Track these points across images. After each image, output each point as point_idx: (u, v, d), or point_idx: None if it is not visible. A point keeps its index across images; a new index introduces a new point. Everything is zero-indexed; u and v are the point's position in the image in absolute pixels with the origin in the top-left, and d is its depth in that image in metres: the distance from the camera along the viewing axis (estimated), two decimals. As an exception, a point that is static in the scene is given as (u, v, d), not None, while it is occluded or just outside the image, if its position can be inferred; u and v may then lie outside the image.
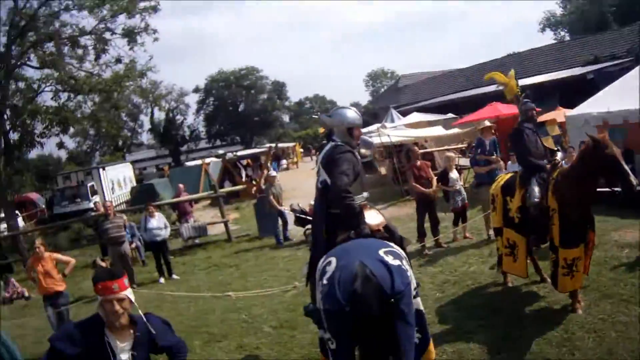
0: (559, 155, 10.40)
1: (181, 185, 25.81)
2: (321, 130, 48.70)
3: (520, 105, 10.72)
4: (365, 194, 7.40)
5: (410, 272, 6.05)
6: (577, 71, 37.99)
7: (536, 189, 9.56)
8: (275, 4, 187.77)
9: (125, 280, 5.00)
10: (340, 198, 6.66)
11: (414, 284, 6.10)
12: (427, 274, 12.92)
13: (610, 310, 9.04)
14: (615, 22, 55.74)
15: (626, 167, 8.33)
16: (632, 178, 8.21)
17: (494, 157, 15.48)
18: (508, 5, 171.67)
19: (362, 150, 8.05)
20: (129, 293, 4.97)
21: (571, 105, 21.45)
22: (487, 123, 15.94)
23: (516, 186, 10.18)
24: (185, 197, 24.26)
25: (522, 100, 10.80)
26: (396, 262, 5.86)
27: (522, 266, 10.45)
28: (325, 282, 5.82)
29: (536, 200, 9.48)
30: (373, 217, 7.28)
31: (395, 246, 6.46)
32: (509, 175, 11.11)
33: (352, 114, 7.45)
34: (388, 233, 7.28)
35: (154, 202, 21.18)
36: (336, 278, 5.70)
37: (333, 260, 5.96)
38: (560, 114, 23.38)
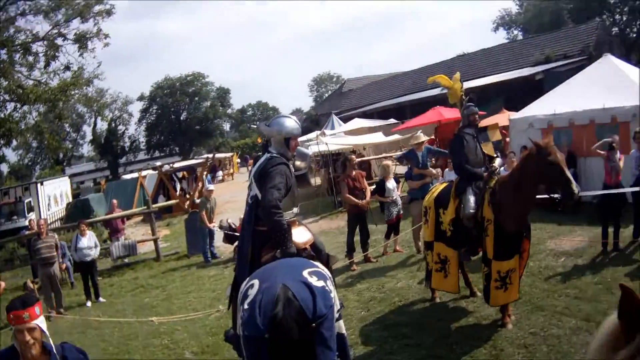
0: (497, 161, 10.44)
1: (114, 201, 25.53)
2: (258, 139, 48.55)
3: (463, 109, 10.72)
4: (295, 210, 7.47)
5: (334, 293, 6.05)
6: (526, 72, 38.45)
7: (472, 199, 9.67)
8: (226, 6, 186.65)
9: (37, 309, 4.91)
10: (269, 214, 6.66)
11: (337, 306, 6.08)
12: (353, 292, 12.94)
13: (542, 324, 9.16)
14: (572, 20, 56.51)
15: (569, 174, 8.42)
16: (574, 186, 8.26)
17: (428, 170, 15.45)
18: (461, 5, 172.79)
19: (297, 163, 8.08)
20: (40, 322, 4.89)
21: (518, 108, 21.60)
22: (422, 138, 15.89)
23: (450, 197, 10.21)
24: (117, 213, 23.93)
25: (464, 105, 10.78)
26: (320, 284, 5.84)
27: (454, 281, 10.49)
28: (246, 306, 5.75)
29: (471, 211, 9.57)
30: (301, 235, 7.29)
31: (320, 266, 6.46)
32: (444, 185, 11.08)
33: (291, 124, 7.46)
34: (315, 251, 7.35)
35: (88, 219, 21.24)
36: (257, 302, 5.66)
37: (256, 282, 5.92)
38: (504, 117, 23.60)
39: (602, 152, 13.16)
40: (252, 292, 5.79)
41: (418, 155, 15.11)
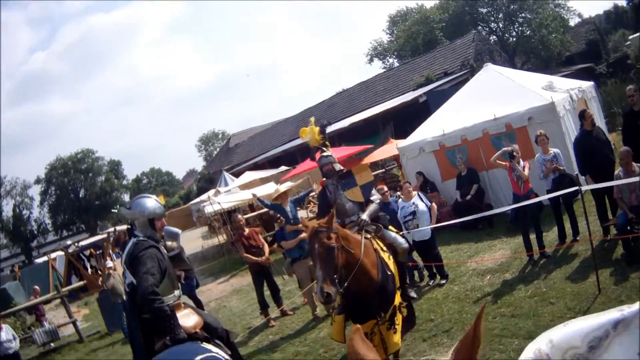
0: (374, 197, 9.72)
1: (36, 287, 25.51)
2: (162, 200, 47.52)
3: (317, 161, 10.11)
4: (177, 292, 7.02)
5: None
6: (408, 96, 38.51)
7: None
8: (106, 81, 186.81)
9: None
10: (148, 302, 6.23)
11: None
12: (276, 349, 12.35)
13: (482, 350, 8.35)
14: (446, 38, 57.27)
15: None
16: None
17: (300, 225, 14.43)
18: (334, 45, 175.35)
19: (169, 243, 7.62)
20: None
21: (408, 134, 21.27)
22: (282, 189, 15.23)
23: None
24: (32, 301, 23.82)
25: (320, 156, 10.05)
26: None
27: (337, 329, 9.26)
28: None
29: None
30: (188, 318, 6.87)
31: (214, 349, 6.16)
32: None
33: (153, 203, 7.15)
34: (209, 332, 6.94)
35: (7, 309, 21.52)
36: None
37: None
38: (392, 147, 23.37)
39: (503, 163, 12.72)
40: None
41: (286, 210, 14.16)
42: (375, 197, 9.76)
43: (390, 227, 9.83)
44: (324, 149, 9.98)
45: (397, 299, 8.62)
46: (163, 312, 6.27)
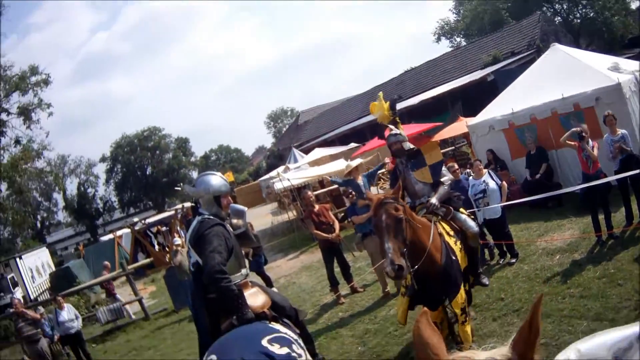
0: (445, 179, 9.32)
1: (107, 263, 25.35)
2: (230, 177, 47.96)
3: (386, 139, 9.91)
4: (244, 271, 6.94)
5: (303, 357, 5.59)
6: (476, 75, 38.23)
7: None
8: (171, 61, 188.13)
9: None
10: (214, 280, 6.12)
11: None
12: (345, 326, 12.30)
13: (552, 332, 8.51)
14: (512, 17, 56.53)
15: None
16: None
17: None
18: (401, 23, 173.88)
19: (234, 221, 7.45)
20: None
21: (478, 112, 21.13)
22: (354, 163, 14.99)
23: None
24: (97, 279, 24.04)
25: (389, 134, 9.82)
26: (283, 351, 5.37)
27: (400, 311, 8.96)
28: None
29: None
30: (256, 298, 6.74)
31: (282, 329, 6.05)
32: None
33: (218, 180, 7.02)
34: (277, 311, 6.81)
35: (70, 288, 21.79)
36: None
37: (214, 358, 5.36)
38: (462, 125, 23.22)
39: (572, 143, 12.56)
40: None
41: (359, 184, 13.73)
42: (446, 177, 9.37)
43: (461, 209, 9.43)
44: (393, 127, 9.79)
45: (462, 297, 8.23)
46: (230, 291, 6.19)
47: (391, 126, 9.83)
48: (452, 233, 8.68)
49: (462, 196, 10.18)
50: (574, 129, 12.52)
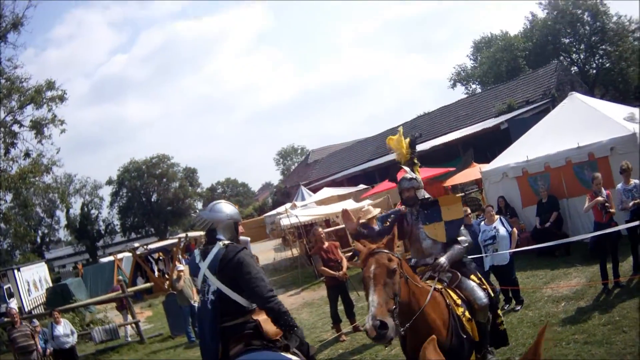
0: (463, 238, 8.08)
1: (118, 285, 25.85)
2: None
3: (398, 183, 8.69)
4: None
5: None
6: (490, 123, 38.30)
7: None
8: (185, 90, 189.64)
9: None
10: (270, 301, 6.14)
11: None
12: (346, 364, 12.26)
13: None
14: (529, 66, 57.02)
15: None
16: None
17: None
18: (418, 68, 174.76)
19: None
20: None
21: (489, 159, 21.31)
22: (372, 212, 14.83)
23: None
24: (95, 299, 24.71)
25: (402, 177, 8.61)
26: None
27: None
28: None
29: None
30: (270, 324, 6.55)
31: (293, 357, 6.06)
32: None
33: (233, 208, 6.96)
34: (288, 340, 6.62)
35: (68, 304, 22.18)
36: None
37: None
38: (475, 171, 23.36)
39: (589, 198, 12.71)
40: None
41: (374, 228, 13.76)
42: (464, 238, 8.08)
43: (472, 276, 7.94)
44: (408, 169, 8.70)
45: None
46: (284, 310, 6.21)
47: (406, 168, 8.77)
48: (459, 302, 7.36)
49: (473, 264, 8.61)
50: (598, 199, 12.55)
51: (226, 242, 6.51)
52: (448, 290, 7.41)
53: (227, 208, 6.86)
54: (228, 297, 6.25)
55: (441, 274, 7.59)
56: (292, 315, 6.27)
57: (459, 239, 8.01)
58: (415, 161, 9.18)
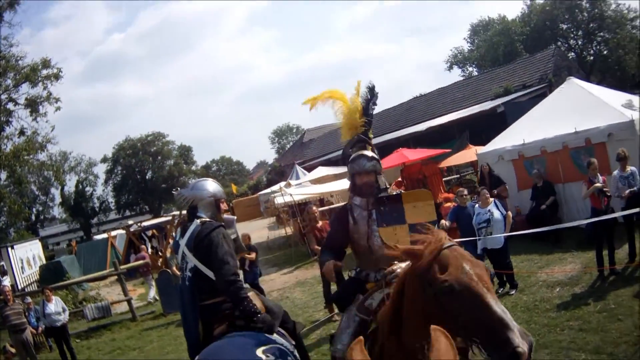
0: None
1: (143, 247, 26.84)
2: (233, 189, 47.99)
3: (350, 163, 6.48)
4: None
5: None
6: (486, 106, 38.11)
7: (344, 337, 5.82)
8: (181, 69, 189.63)
9: None
10: (230, 284, 5.89)
11: None
12: (337, 343, 12.09)
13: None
14: (526, 51, 56.99)
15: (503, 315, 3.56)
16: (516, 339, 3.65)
17: None
18: (413, 50, 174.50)
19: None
20: None
21: (484, 142, 21.18)
22: None
23: None
24: (86, 277, 24.98)
25: (356, 155, 6.48)
26: None
27: None
28: None
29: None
30: (257, 299, 6.44)
31: (278, 339, 5.86)
32: None
33: (216, 186, 6.82)
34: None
35: (61, 282, 22.15)
36: None
37: None
38: (471, 153, 23.26)
39: (586, 184, 12.66)
40: None
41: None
42: None
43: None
44: (362, 141, 6.73)
45: None
46: (245, 294, 5.98)
47: (360, 139, 6.72)
48: None
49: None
50: (596, 185, 12.47)
51: (205, 219, 6.38)
52: None
53: (209, 186, 6.76)
54: (204, 275, 6.09)
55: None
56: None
57: None
58: (371, 135, 6.87)
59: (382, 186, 6.28)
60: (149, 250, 35.86)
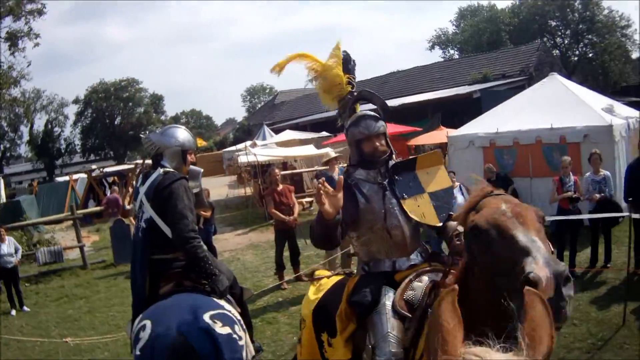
0: (451, 224, 4.95)
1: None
2: (200, 141, 47.62)
3: (348, 126, 5.28)
4: None
5: (244, 340, 5.26)
6: (463, 90, 38.10)
7: (388, 325, 4.49)
8: (166, 16, 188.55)
9: None
10: (186, 240, 5.59)
11: (250, 353, 5.37)
12: (284, 314, 12.06)
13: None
14: (511, 41, 57.09)
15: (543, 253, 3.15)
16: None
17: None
18: (398, 24, 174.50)
19: (189, 183, 6.74)
20: None
21: (456, 126, 21.02)
22: (332, 154, 14.17)
23: (341, 313, 4.86)
24: (42, 219, 24.84)
25: (351, 114, 5.42)
26: (225, 330, 5.06)
27: None
28: (138, 352, 4.96)
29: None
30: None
31: (226, 305, 5.57)
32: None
33: (187, 135, 6.42)
34: None
35: (18, 222, 22.08)
36: (148, 350, 4.87)
37: (148, 324, 5.04)
38: (442, 134, 23.07)
39: (555, 182, 12.55)
40: (144, 336, 5.02)
41: (334, 178, 12.81)
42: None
43: None
44: (348, 101, 5.64)
45: None
46: (203, 253, 5.67)
47: (365, 94, 5.64)
48: None
49: None
50: (569, 193, 12.32)
51: (168, 169, 6.06)
52: None
53: (180, 134, 6.36)
54: (159, 227, 5.78)
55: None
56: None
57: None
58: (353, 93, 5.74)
59: (390, 152, 5.13)
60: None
